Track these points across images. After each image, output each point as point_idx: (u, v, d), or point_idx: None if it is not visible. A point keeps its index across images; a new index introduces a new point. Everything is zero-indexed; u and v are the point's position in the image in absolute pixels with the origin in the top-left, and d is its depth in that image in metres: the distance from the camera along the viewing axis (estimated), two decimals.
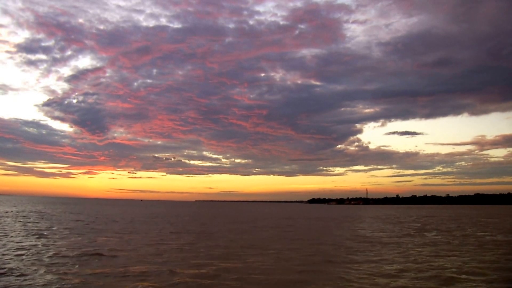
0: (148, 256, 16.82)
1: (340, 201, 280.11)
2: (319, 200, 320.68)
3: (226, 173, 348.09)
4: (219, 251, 18.98)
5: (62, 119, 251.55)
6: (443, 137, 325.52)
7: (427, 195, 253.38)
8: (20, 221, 34.99)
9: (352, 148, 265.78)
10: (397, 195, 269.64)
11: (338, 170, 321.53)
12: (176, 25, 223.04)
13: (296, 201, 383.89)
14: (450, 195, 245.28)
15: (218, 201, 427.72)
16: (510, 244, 23.99)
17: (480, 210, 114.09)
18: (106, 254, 16.96)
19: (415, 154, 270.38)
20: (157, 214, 63.07)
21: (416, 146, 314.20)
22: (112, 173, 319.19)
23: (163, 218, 49.90)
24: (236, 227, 36.40)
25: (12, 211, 54.66)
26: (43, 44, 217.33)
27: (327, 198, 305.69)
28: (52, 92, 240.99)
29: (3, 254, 16.30)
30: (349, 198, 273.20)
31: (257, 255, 17.73)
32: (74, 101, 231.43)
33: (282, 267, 15.07)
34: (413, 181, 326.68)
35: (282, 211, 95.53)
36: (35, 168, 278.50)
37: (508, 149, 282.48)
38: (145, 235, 26.27)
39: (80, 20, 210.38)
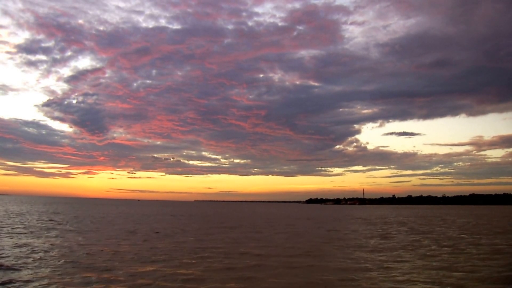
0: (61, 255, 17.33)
1: (337, 201, 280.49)
2: (316, 200, 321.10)
3: (225, 173, 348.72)
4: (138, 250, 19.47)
5: (62, 120, 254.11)
6: (440, 137, 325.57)
7: (423, 195, 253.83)
8: None
9: (350, 149, 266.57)
10: (394, 195, 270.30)
11: (337, 170, 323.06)
12: (176, 26, 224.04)
13: (294, 201, 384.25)
14: (446, 196, 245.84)
15: (217, 201, 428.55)
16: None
17: (470, 211, 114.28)
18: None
19: (413, 154, 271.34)
20: (140, 214, 63.56)
21: (414, 146, 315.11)
22: (112, 173, 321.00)
23: (137, 218, 50.44)
24: (200, 226, 36.86)
25: None
26: (43, 44, 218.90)
27: (324, 198, 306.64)
28: (52, 92, 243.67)
29: None
30: (345, 198, 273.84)
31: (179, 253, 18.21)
32: (74, 101, 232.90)
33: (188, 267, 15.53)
34: (411, 181, 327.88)
35: (274, 211, 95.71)
36: (34, 168, 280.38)
37: (506, 149, 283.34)
38: (94, 234, 26.73)
39: (80, 21, 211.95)
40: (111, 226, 34.56)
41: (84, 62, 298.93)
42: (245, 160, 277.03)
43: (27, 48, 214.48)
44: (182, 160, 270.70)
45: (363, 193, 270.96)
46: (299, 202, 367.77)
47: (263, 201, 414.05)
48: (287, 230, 33.70)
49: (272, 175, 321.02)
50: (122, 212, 67.26)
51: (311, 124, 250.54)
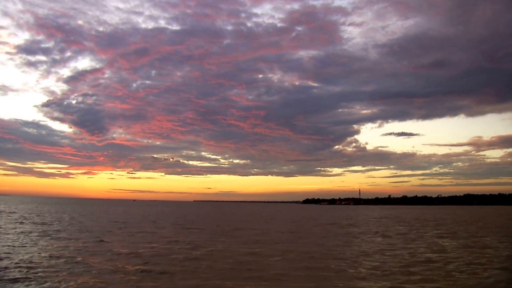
0: None
1: (332, 202, 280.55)
2: (312, 201, 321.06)
3: (224, 174, 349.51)
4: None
5: (62, 120, 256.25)
6: (439, 138, 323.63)
7: (418, 196, 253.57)
8: None
9: (349, 149, 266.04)
10: (389, 195, 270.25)
11: (336, 170, 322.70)
12: (175, 27, 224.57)
13: (292, 202, 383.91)
14: (441, 196, 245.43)
15: (216, 201, 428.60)
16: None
17: (454, 211, 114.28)
18: None
19: (412, 155, 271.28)
20: (120, 214, 64.27)
21: (413, 147, 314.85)
22: (111, 173, 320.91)
23: (108, 217, 51.11)
24: (156, 225, 37.46)
25: None
26: (42, 45, 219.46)
27: (321, 198, 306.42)
28: (52, 93, 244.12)
29: None
30: (340, 198, 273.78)
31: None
32: (74, 102, 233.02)
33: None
34: (410, 181, 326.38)
35: (264, 212, 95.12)
36: (34, 169, 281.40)
37: (504, 150, 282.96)
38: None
39: (80, 22, 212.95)
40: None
41: (84, 62, 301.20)
42: (244, 161, 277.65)
43: (27, 49, 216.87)
44: (181, 161, 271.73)
45: (359, 193, 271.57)
46: (296, 202, 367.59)
47: (262, 201, 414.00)
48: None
49: (272, 175, 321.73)
50: (90, 212, 68.00)
51: (310, 125, 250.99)
